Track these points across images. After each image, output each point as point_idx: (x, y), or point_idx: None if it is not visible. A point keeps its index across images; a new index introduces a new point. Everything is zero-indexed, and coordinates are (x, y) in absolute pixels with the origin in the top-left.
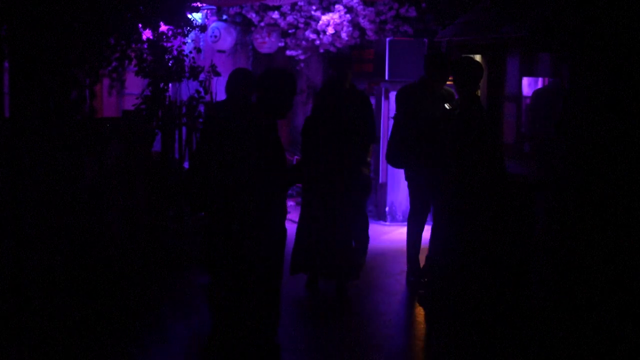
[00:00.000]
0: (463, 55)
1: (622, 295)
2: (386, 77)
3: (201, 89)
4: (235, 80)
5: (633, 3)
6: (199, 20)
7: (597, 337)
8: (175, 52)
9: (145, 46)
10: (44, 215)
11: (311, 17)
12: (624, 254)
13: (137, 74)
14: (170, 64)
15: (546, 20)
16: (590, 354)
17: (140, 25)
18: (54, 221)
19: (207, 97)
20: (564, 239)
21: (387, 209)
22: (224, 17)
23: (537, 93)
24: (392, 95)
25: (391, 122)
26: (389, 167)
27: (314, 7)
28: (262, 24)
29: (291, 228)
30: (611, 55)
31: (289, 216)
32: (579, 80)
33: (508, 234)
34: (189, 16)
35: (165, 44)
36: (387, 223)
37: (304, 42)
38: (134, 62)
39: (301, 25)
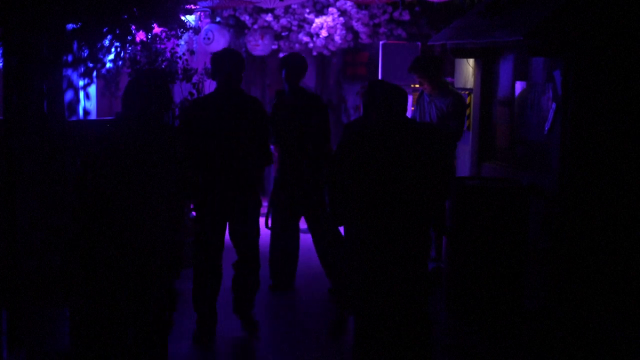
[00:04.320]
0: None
1: (622, 296)
2: None
3: (194, 91)
4: None
5: (633, 3)
6: (193, 23)
7: (596, 337)
8: (168, 54)
9: (139, 48)
10: (42, 215)
11: (305, 20)
12: (624, 254)
13: (130, 75)
14: (163, 66)
15: (546, 21)
16: (590, 354)
17: (133, 27)
18: (52, 221)
19: None
20: (563, 239)
21: None
22: (218, 19)
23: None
24: None
25: None
26: None
27: (307, 10)
28: (255, 26)
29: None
30: (611, 55)
31: None
32: (578, 81)
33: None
34: (183, 18)
35: (158, 46)
36: None
37: (297, 45)
38: (127, 63)
39: (294, 28)
